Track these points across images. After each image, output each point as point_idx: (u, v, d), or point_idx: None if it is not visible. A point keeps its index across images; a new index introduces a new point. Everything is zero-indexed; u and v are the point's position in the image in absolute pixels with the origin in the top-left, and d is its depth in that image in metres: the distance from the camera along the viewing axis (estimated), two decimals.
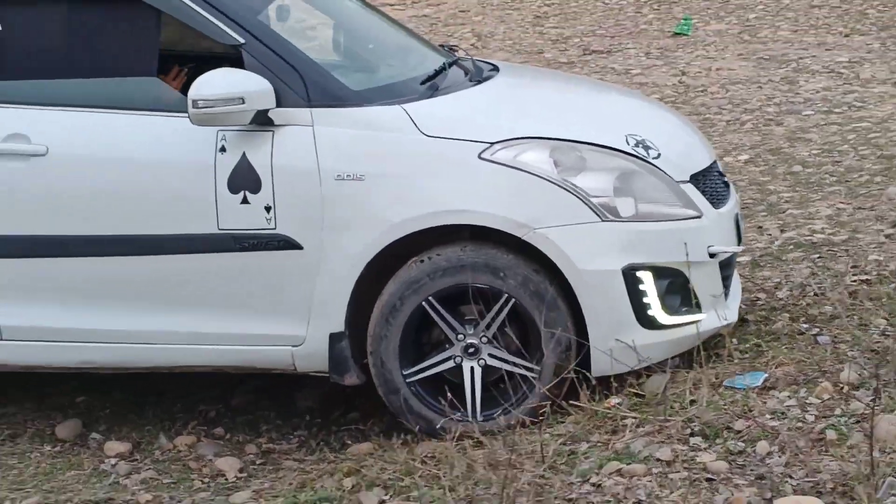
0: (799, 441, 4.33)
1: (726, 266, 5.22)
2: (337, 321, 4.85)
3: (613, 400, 4.87)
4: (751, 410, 4.59)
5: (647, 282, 4.84)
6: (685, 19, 13.70)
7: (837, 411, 4.52)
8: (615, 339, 4.77)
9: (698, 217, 4.99)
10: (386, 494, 4.57)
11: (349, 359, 4.91)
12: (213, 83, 4.64)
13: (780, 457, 4.26)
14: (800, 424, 4.47)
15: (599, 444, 4.60)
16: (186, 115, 4.63)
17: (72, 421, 5.59)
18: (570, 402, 4.85)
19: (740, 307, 5.49)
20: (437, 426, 4.84)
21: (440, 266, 4.80)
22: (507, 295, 4.77)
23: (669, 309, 4.93)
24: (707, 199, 5.10)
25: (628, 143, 4.97)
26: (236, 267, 4.91)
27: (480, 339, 4.85)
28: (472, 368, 4.89)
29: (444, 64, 5.58)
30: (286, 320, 4.91)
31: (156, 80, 4.96)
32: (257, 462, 5.23)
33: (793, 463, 4.21)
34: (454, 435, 4.79)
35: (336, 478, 4.81)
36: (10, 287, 5.02)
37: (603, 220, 4.79)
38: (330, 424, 5.54)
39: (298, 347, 4.93)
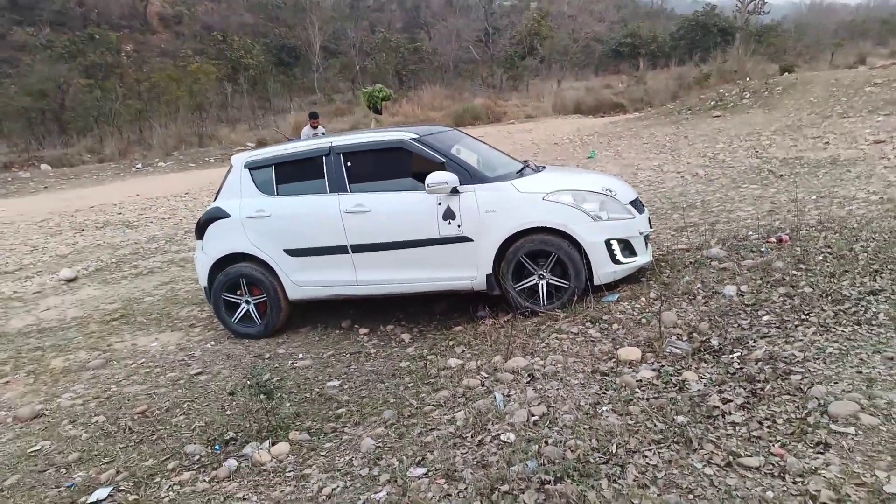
0: (630, 324, 4.04)
1: (646, 238, 4.99)
2: (488, 269, 4.72)
3: (552, 306, 4.58)
4: (610, 312, 4.32)
5: (615, 245, 4.65)
6: (592, 153, 13.24)
7: (647, 310, 4.22)
8: (603, 269, 4.61)
9: (633, 218, 4.79)
10: (466, 348, 4.38)
11: (494, 283, 4.75)
12: (435, 177, 4.58)
13: (622, 330, 4.02)
14: (631, 317, 4.17)
15: (549, 325, 4.33)
16: (425, 190, 4.63)
17: (348, 320, 5.48)
18: (532, 309, 4.58)
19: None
20: (526, 308, 4.68)
21: (532, 241, 4.64)
22: (555, 254, 4.62)
23: (624, 256, 4.71)
24: (637, 210, 4.89)
25: (603, 190, 4.79)
26: (448, 250, 4.77)
27: (545, 272, 4.68)
28: (542, 284, 4.71)
29: (524, 166, 5.41)
30: (468, 270, 4.78)
31: (412, 179, 4.87)
32: (417, 335, 5.04)
33: (628, 333, 3.97)
34: (495, 321, 4.63)
35: (446, 341, 4.64)
36: (362, 264, 4.96)
37: (595, 221, 4.61)
38: (446, 319, 5.26)
39: (474, 280, 4.80)
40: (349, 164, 5.01)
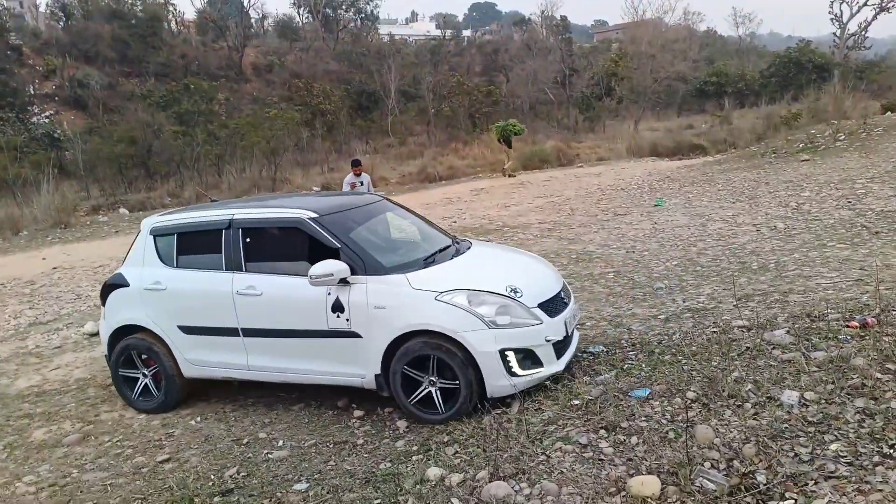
0: (655, 438, 3.18)
1: (561, 343, 4.30)
2: (377, 368, 4.23)
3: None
4: (634, 415, 3.45)
5: (511, 355, 4.04)
6: (660, 200, 12.17)
7: (679, 417, 3.33)
8: (496, 382, 4.02)
9: (540, 323, 4.16)
10: (459, 449, 3.65)
11: (384, 383, 4.24)
12: (319, 268, 4.16)
13: (642, 447, 3.14)
14: (657, 427, 3.29)
15: (559, 426, 3.54)
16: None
17: (345, 398, 4.83)
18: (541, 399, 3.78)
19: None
20: (423, 415, 4.20)
21: (413, 349, 4.13)
22: (440, 358, 4.08)
23: (523, 367, 4.08)
24: (547, 313, 4.24)
25: (506, 290, 4.19)
26: (336, 344, 4.31)
27: (435, 378, 4.15)
28: (435, 391, 4.17)
29: (444, 247, 4.87)
30: (357, 367, 4.31)
31: (307, 263, 4.32)
32: (414, 422, 4.30)
33: (649, 452, 3.10)
34: (502, 412, 3.89)
35: (442, 435, 3.93)
36: (253, 348, 4.58)
37: (490, 328, 4.01)
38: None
39: (364, 379, 4.32)
40: (248, 239, 4.67)
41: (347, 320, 4.23)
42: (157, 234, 5.01)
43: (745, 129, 24.01)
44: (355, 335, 4.25)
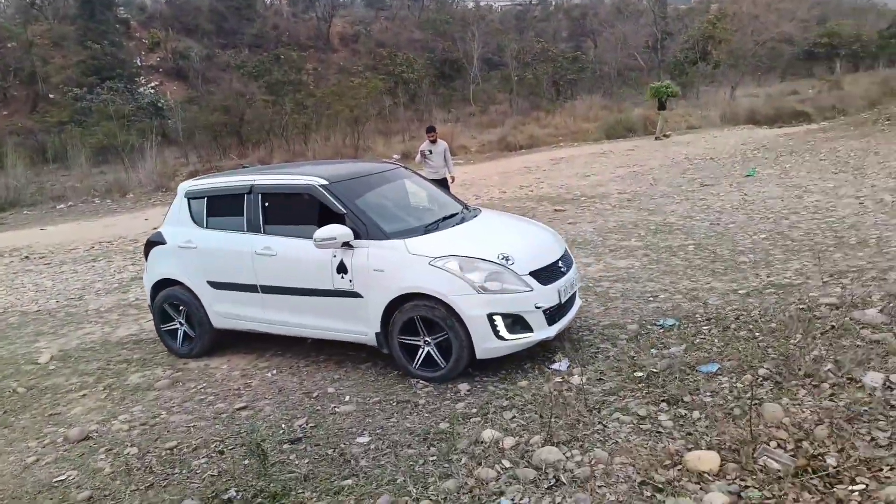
0: (719, 413, 3.06)
1: (555, 310, 4.37)
2: (377, 326, 4.50)
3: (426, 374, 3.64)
4: (699, 389, 3.33)
5: (499, 320, 4.19)
6: (752, 170, 11.44)
7: (747, 395, 3.16)
8: (484, 345, 4.20)
9: (530, 291, 4.23)
10: (517, 414, 3.68)
11: (384, 342, 4.50)
12: (323, 231, 4.43)
13: (704, 422, 3.05)
14: (723, 402, 3.16)
15: (619, 398, 3.47)
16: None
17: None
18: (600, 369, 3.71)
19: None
20: (427, 375, 4.42)
21: (419, 306, 4.33)
22: (434, 320, 4.30)
23: (511, 331, 4.23)
24: (539, 281, 4.32)
25: (498, 257, 4.28)
26: (340, 303, 4.60)
27: (429, 338, 4.38)
28: (424, 350, 4.44)
29: (450, 214, 5.03)
30: (360, 325, 4.59)
31: (315, 226, 4.55)
32: (476, 386, 4.29)
33: (711, 428, 2.99)
34: (563, 380, 3.86)
35: (502, 399, 3.93)
36: (269, 304, 4.94)
37: (479, 293, 4.16)
38: (516, 368, 4.44)
39: (366, 336, 4.59)
40: (266, 204, 4.97)
41: (350, 281, 4.50)
42: (191, 196, 5.43)
43: (856, 95, 22.09)
44: (357, 295, 4.51)
